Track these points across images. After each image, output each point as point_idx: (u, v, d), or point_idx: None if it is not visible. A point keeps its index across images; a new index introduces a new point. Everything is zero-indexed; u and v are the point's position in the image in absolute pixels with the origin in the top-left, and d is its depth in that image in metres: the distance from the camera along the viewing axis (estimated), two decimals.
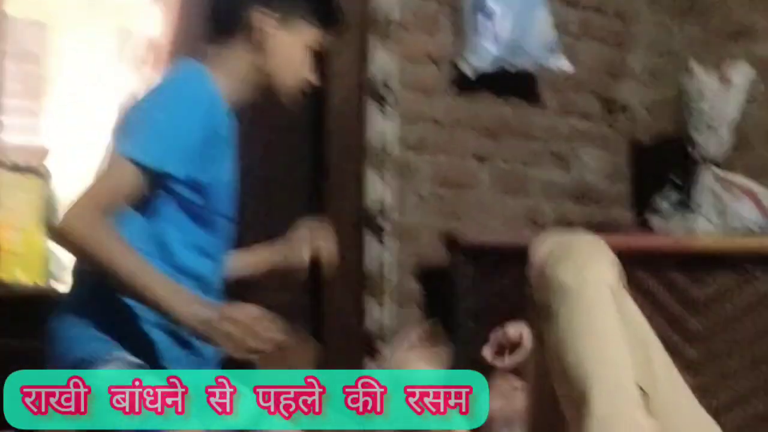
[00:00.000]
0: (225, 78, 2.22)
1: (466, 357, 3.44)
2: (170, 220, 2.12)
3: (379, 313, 3.37)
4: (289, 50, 2.25)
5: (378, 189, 3.38)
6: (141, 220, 2.11)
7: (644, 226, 4.09)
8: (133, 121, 2.12)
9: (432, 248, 3.69)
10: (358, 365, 3.37)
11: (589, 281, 1.87)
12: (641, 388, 1.80)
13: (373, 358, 3.36)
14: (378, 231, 3.38)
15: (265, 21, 2.22)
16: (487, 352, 2.70)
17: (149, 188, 2.08)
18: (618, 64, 4.36)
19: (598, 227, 4.02)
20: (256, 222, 3.23)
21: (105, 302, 2.09)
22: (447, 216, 3.77)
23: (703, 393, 2.06)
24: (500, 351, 2.68)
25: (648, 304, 3.05)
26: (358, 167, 3.40)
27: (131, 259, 2.00)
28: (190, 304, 1.99)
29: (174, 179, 2.08)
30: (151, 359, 2.10)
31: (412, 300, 3.65)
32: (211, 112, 2.13)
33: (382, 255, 3.38)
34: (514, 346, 2.66)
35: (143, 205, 2.10)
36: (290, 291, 3.52)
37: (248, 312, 2.00)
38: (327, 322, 3.41)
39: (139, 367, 2.04)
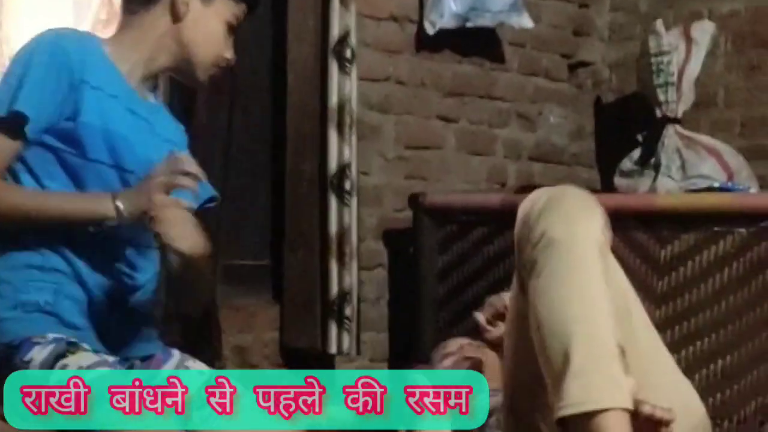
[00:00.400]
0: (136, 40, 2.19)
1: (432, 318, 3.45)
2: (49, 177, 2.09)
3: (342, 276, 3.36)
4: (208, 25, 2.22)
5: (340, 150, 3.36)
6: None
7: (609, 185, 4.10)
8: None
9: (397, 210, 3.69)
10: (322, 328, 3.36)
11: (579, 237, 1.84)
12: (621, 347, 1.80)
13: (336, 321, 3.36)
14: (341, 193, 3.36)
15: None
16: (480, 318, 2.71)
17: (22, 145, 2.06)
18: (582, 22, 4.35)
19: None
20: (217, 186, 3.20)
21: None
22: (412, 177, 3.76)
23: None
24: (492, 318, 2.69)
25: None
26: (319, 129, 3.37)
27: (31, 197, 2.04)
28: (108, 202, 2.00)
29: (36, 126, 2.05)
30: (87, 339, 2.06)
31: (377, 262, 3.65)
32: (72, 62, 2.09)
33: (345, 217, 3.36)
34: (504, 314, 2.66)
35: (23, 168, 2.09)
36: (252, 254, 3.52)
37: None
38: (289, 284, 3.40)
39: (70, 344, 2.01)
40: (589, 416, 1.73)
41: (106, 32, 2.77)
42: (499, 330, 2.63)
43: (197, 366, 2.23)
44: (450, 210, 3.45)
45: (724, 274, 2.93)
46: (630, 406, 1.75)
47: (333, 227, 3.35)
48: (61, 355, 1.97)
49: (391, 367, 3.53)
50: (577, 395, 1.75)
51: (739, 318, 2.89)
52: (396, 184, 3.71)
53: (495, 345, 2.64)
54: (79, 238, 2.08)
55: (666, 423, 1.80)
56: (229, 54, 2.26)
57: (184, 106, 3.00)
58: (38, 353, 1.97)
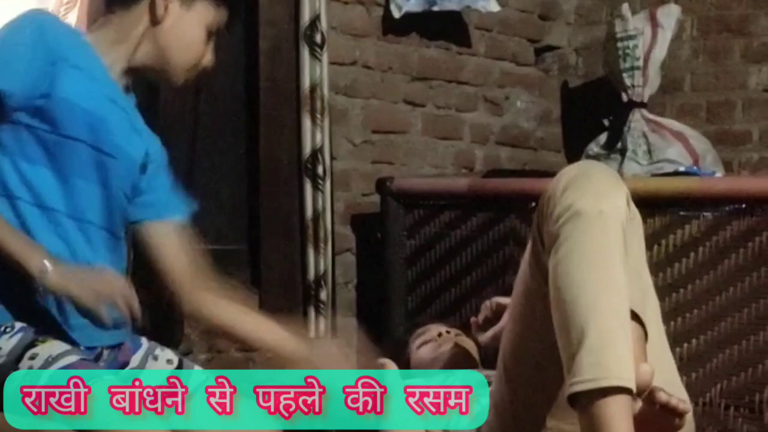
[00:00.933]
0: (115, 40, 2.16)
1: (400, 302, 3.45)
2: (24, 157, 2.04)
3: (317, 260, 3.36)
4: (187, 29, 2.19)
5: (313, 135, 3.36)
6: None
7: None
8: None
9: (364, 194, 3.68)
10: (298, 312, 3.36)
11: (606, 213, 1.85)
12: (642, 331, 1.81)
13: (313, 305, 3.36)
14: (314, 177, 3.36)
15: None
16: (473, 322, 2.70)
17: None
18: (548, 6, 4.35)
19: (530, 172, 4.04)
20: (192, 170, 3.19)
21: None
22: (379, 162, 3.76)
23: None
24: (483, 323, 2.68)
25: None
26: (292, 113, 3.37)
27: None
28: (37, 258, 1.91)
29: (11, 100, 2.01)
30: (51, 328, 2.03)
31: (345, 246, 3.65)
32: (56, 39, 2.05)
33: (318, 201, 3.36)
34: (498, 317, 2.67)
35: None
36: (229, 239, 3.50)
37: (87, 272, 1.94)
38: (266, 270, 3.39)
39: (38, 333, 1.99)
40: (596, 394, 1.75)
41: (70, 16, 2.76)
42: (488, 333, 2.64)
43: (166, 354, 2.23)
44: (417, 194, 3.45)
45: (690, 258, 2.94)
46: (634, 388, 1.76)
47: (308, 212, 3.35)
48: (30, 345, 1.95)
49: (359, 351, 3.52)
50: (588, 372, 1.76)
51: (704, 302, 2.91)
52: (363, 168, 3.71)
53: (484, 346, 2.65)
54: (45, 229, 2.05)
55: (681, 414, 1.81)
56: (207, 60, 2.24)
57: (148, 91, 2.98)
58: (5, 342, 1.94)
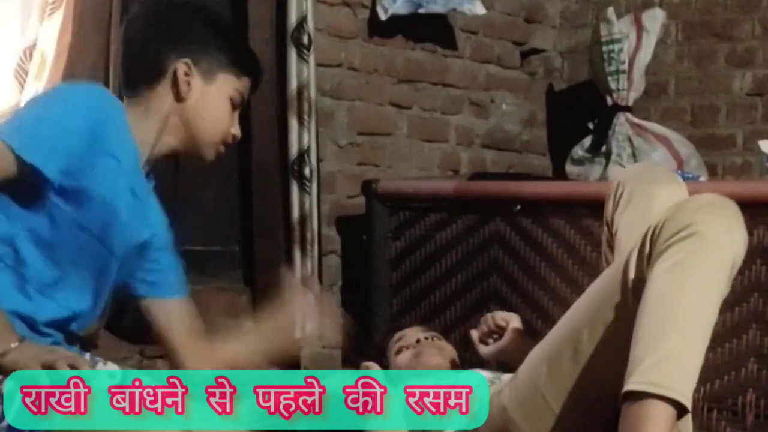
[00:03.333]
0: (142, 120, 2.14)
1: (385, 305, 3.45)
2: (29, 226, 2.02)
3: (304, 262, 3.36)
4: (212, 103, 2.18)
5: (300, 137, 3.36)
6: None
7: (560, 172, 4.12)
8: (17, 114, 2.05)
9: (350, 196, 3.68)
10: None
11: (727, 242, 1.88)
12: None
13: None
14: (300, 179, 3.36)
15: (189, 73, 2.14)
16: (474, 335, 2.71)
17: (20, 184, 1.98)
18: (534, 9, 4.36)
19: (515, 174, 4.05)
20: (182, 171, 3.18)
21: None
22: (364, 164, 3.76)
23: None
24: (484, 335, 2.69)
25: (563, 251, 3.08)
26: (280, 116, 3.37)
27: None
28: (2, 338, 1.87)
29: (43, 180, 1.97)
30: None
31: (330, 248, 3.65)
32: (100, 122, 2.03)
33: (305, 203, 3.37)
34: (499, 332, 2.67)
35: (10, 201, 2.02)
36: (221, 240, 3.50)
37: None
38: (257, 271, 3.40)
39: None
40: (653, 398, 1.77)
41: (55, 16, 2.74)
42: (491, 347, 2.65)
43: (108, 367, 2.23)
44: (403, 197, 3.45)
45: None
46: (688, 409, 1.79)
47: (295, 213, 3.35)
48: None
49: (344, 354, 3.53)
50: (656, 376, 1.78)
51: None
52: (348, 170, 3.71)
53: (486, 360, 2.66)
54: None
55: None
56: (235, 130, 2.23)
57: None
58: None
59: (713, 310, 1.86)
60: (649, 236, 1.93)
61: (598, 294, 2.05)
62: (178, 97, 2.15)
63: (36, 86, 2.70)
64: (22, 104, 2.50)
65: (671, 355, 1.79)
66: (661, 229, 1.91)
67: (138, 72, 2.17)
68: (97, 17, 2.85)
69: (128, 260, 2.18)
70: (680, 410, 1.79)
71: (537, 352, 2.17)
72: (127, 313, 2.95)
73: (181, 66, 2.14)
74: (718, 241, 1.87)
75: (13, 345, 1.86)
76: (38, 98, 2.12)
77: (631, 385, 1.79)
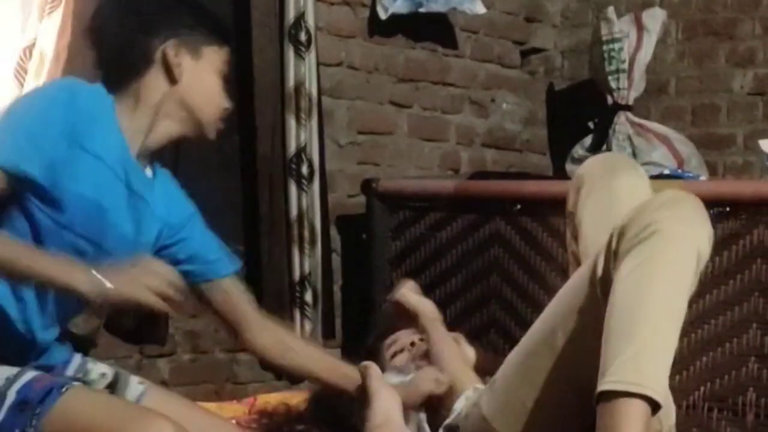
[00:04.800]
0: (133, 110, 2.10)
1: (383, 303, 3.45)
2: (14, 231, 1.98)
3: (302, 261, 3.36)
4: (205, 79, 2.15)
5: (298, 135, 3.36)
6: None
7: (560, 172, 4.11)
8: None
9: (350, 195, 3.68)
10: (287, 312, 3.36)
11: (689, 237, 1.88)
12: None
13: (297, 307, 3.36)
14: (298, 177, 3.36)
15: (176, 54, 2.10)
16: (387, 351, 2.72)
17: (8, 193, 1.96)
18: (534, 9, 4.36)
19: (515, 174, 4.05)
20: (185, 172, 3.17)
21: None
22: (364, 163, 3.76)
23: None
24: (395, 353, 2.70)
25: (563, 250, 3.07)
26: (280, 114, 3.37)
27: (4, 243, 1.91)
28: (85, 274, 1.87)
29: (30, 187, 1.96)
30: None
31: (330, 247, 3.64)
32: (73, 120, 2.00)
33: (303, 202, 3.36)
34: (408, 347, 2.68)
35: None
36: (226, 239, 3.49)
37: (137, 265, 1.91)
38: (262, 269, 3.40)
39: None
40: (625, 396, 1.78)
41: (54, 15, 2.74)
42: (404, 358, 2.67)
43: (99, 368, 2.21)
44: (403, 196, 3.45)
45: None
46: (661, 405, 1.80)
47: (293, 212, 3.35)
48: None
49: (344, 353, 3.52)
50: (628, 375, 1.79)
51: (689, 305, 2.91)
52: (349, 169, 3.71)
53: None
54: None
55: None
56: (227, 103, 2.20)
57: None
58: None
59: (680, 306, 1.87)
60: (615, 236, 1.94)
61: (569, 295, 2.07)
62: (172, 80, 2.11)
63: (35, 85, 2.70)
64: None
65: (641, 353, 1.80)
66: (625, 229, 1.92)
67: (122, 65, 2.12)
68: None
69: (158, 253, 2.16)
70: (654, 406, 1.80)
71: (514, 357, 2.18)
72: (127, 312, 2.96)
73: (169, 48, 2.10)
74: (680, 238, 1.88)
75: (97, 277, 1.86)
76: (14, 105, 2.06)
77: (604, 385, 1.81)
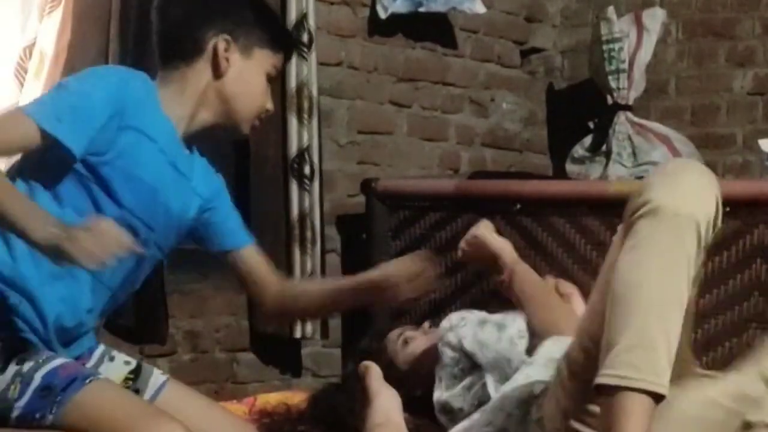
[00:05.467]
0: (178, 95, 2.15)
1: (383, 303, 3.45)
2: (71, 205, 2.03)
3: (303, 261, 3.36)
4: (250, 79, 2.20)
5: (300, 135, 3.36)
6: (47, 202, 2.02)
7: (560, 171, 4.11)
8: (43, 95, 2.09)
9: (350, 195, 3.68)
10: None
11: (683, 217, 1.78)
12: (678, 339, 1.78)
13: None
14: (300, 177, 3.36)
15: (227, 49, 2.15)
16: (398, 342, 2.71)
17: (50, 161, 2.00)
18: (534, 8, 4.36)
19: (515, 173, 4.05)
20: None
21: None
22: (364, 162, 3.76)
23: None
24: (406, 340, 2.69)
25: (563, 250, 3.08)
26: (281, 113, 3.37)
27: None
28: (42, 224, 1.85)
29: (69, 156, 1.99)
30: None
31: (330, 247, 3.64)
32: (124, 99, 2.05)
33: (305, 201, 3.37)
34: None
35: (50, 186, 2.03)
36: None
37: (94, 225, 1.88)
38: None
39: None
40: (622, 391, 1.74)
41: (54, 15, 2.74)
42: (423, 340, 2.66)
43: (122, 356, 2.28)
44: (403, 196, 3.45)
45: None
46: (664, 393, 1.74)
47: (294, 212, 3.35)
48: (14, 352, 1.98)
49: (344, 352, 3.53)
50: (621, 368, 1.74)
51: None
52: (348, 169, 3.71)
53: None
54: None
55: None
56: (270, 105, 2.26)
57: None
58: None
59: (680, 285, 1.79)
60: (626, 209, 1.89)
61: (601, 283, 2.03)
62: (217, 73, 2.16)
63: (35, 84, 2.70)
64: (22, 103, 2.50)
65: (637, 343, 1.75)
66: (630, 204, 1.86)
67: (175, 49, 2.17)
68: (96, 15, 2.85)
69: (194, 228, 2.25)
70: (655, 397, 1.74)
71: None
72: (127, 311, 2.96)
73: (221, 42, 2.15)
74: (676, 212, 1.79)
75: (54, 230, 1.83)
76: (67, 80, 2.13)
77: (601, 378, 1.76)
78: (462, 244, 2.76)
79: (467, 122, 4.11)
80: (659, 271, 1.79)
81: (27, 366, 1.95)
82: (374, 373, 2.41)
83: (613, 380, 1.75)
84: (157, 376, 2.27)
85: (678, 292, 1.79)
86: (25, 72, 2.72)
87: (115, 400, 1.98)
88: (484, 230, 2.72)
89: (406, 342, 2.70)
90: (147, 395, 2.22)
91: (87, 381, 1.94)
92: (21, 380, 1.94)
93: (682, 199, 1.80)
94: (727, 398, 1.94)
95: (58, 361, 1.98)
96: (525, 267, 2.65)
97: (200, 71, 2.16)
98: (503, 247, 2.69)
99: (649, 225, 1.80)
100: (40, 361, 1.97)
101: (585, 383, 1.85)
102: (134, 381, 2.24)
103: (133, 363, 2.27)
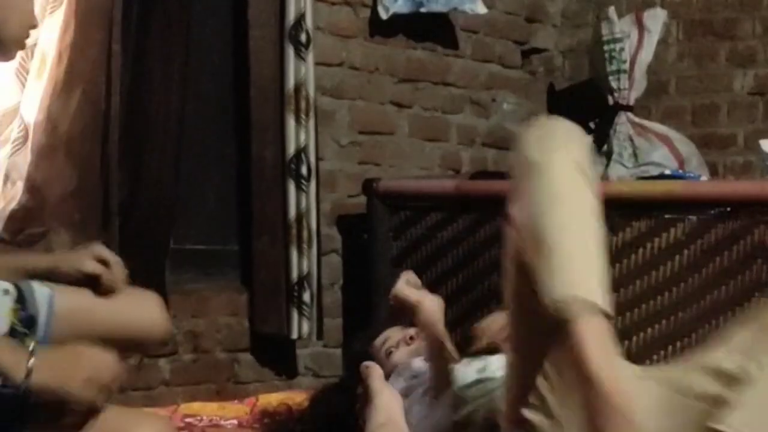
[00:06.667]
0: None
1: (386, 304, 3.45)
2: None
3: (300, 261, 3.36)
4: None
5: (297, 135, 3.36)
6: None
7: None
8: None
9: (351, 195, 3.68)
10: (284, 313, 3.36)
11: (555, 159, 1.79)
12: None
13: (296, 306, 3.36)
14: (297, 178, 3.36)
15: None
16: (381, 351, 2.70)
17: None
18: (535, 9, 4.36)
19: None
20: (183, 170, 3.18)
21: None
22: (365, 163, 3.76)
23: (619, 338, 2.08)
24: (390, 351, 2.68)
25: None
26: (277, 113, 3.37)
27: None
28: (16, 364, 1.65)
29: None
30: None
31: (331, 247, 3.64)
32: None
33: (302, 202, 3.36)
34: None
35: None
36: (219, 239, 3.50)
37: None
38: (257, 270, 3.40)
39: None
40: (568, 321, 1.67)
41: (55, 15, 2.74)
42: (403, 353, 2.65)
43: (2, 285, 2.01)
44: (403, 196, 3.46)
45: (675, 261, 2.95)
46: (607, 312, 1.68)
47: (291, 212, 3.35)
48: None
49: (345, 352, 3.53)
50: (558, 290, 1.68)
51: (690, 304, 2.92)
52: (349, 169, 3.71)
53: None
54: None
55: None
56: (35, 20, 2.10)
57: (134, 89, 2.98)
58: None
59: (582, 210, 1.76)
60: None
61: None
62: None
63: (37, 85, 2.70)
64: (23, 103, 2.47)
65: (557, 268, 1.69)
66: (514, 170, 1.86)
67: None
68: (98, 15, 2.84)
69: None
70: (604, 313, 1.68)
71: None
72: None
73: None
74: (550, 162, 1.78)
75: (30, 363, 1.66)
76: None
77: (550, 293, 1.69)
78: (390, 297, 2.70)
79: (468, 122, 4.11)
80: (558, 212, 1.76)
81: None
82: (375, 373, 2.41)
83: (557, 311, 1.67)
84: (40, 290, 1.98)
85: (581, 214, 1.76)
86: (27, 72, 2.72)
87: None
88: (401, 287, 2.64)
89: (389, 353, 2.69)
90: (42, 317, 1.94)
91: None
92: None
93: (553, 150, 1.81)
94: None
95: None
96: (437, 330, 2.55)
97: None
98: (420, 302, 2.60)
99: (531, 180, 1.79)
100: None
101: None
102: (24, 308, 1.94)
103: (11, 287, 1.96)
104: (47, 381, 1.65)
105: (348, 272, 3.69)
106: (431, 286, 3.36)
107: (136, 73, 2.94)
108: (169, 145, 3.10)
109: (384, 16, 3.71)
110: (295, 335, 3.37)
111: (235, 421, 2.88)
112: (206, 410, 2.97)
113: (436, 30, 3.95)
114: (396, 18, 3.74)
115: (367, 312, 3.46)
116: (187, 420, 2.86)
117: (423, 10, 3.76)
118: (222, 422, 2.88)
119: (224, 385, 3.36)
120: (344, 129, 3.71)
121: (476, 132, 4.15)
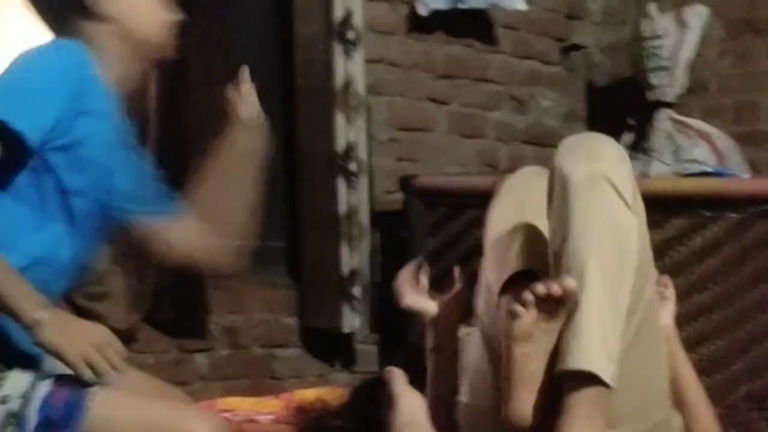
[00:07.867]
0: (101, 57, 2.03)
1: None
2: (24, 199, 1.94)
3: (350, 257, 3.38)
4: (133, 3, 2.06)
5: (347, 132, 3.37)
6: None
7: None
8: None
9: (388, 192, 3.68)
10: (335, 308, 3.37)
11: (589, 174, 1.83)
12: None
13: (346, 301, 3.37)
14: (347, 174, 3.37)
15: None
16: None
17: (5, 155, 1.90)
18: (575, 5, 4.34)
19: None
20: None
21: None
22: (403, 159, 3.75)
23: None
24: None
25: None
26: (327, 111, 3.38)
27: None
28: (32, 307, 1.79)
29: (24, 147, 1.89)
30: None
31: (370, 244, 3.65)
32: (79, 82, 1.95)
33: (351, 198, 3.38)
34: None
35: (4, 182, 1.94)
36: (267, 235, 3.51)
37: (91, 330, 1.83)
38: (303, 266, 3.41)
39: None
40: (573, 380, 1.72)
41: None
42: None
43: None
44: (441, 192, 3.45)
45: (715, 259, 2.93)
46: (610, 383, 1.71)
47: (342, 208, 3.37)
48: None
49: (381, 350, 3.53)
50: (568, 360, 1.73)
51: (728, 303, 2.89)
52: (387, 166, 3.71)
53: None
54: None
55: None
56: (172, 15, 2.10)
57: (174, 87, 2.99)
58: None
59: (617, 252, 1.78)
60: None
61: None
62: (105, 18, 2.03)
63: None
64: None
65: (576, 332, 1.73)
66: (551, 182, 1.92)
67: (69, 8, 2.07)
68: None
69: (124, 214, 2.15)
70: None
71: None
72: (167, 305, 2.98)
73: None
74: (585, 178, 1.83)
75: (43, 315, 1.78)
76: (17, 63, 1.98)
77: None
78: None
79: (506, 119, 4.10)
80: (587, 229, 1.79)
81: (14, 402, 1.83)
82: (398, 377, 2.40)
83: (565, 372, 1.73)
84: None
85: (620, 255, 1.78)
86: None
87: (126, 409, 1.87)
88: (406, 297, 2.67)
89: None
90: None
91: (86, 400, 1.82)
92: (15, 422, 1.82)
93: (588, 164, 1.85)
94: None
95: (44, 388, 1.85)
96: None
97: (95, 22, 2.03)
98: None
99: (565, 194, 1.84)
100: (26, 393, 1.84)
101: None
102: None
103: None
104: (51, 339, 1.77)
105: (386, 269, 3.69)
106: (468, 283, 3.36)
107: (176, 71, 2.96)
108: (212, 142, 3.11)
109: (423, 12, 3.71)
110: (347, 330, 3.39)
111: (270, 416, 2.89)
112: (243, 405, 2.98)
113: (474, 26, 3.94)
114: (434, 14, 3.73)
115: (404, 310, 3.46)
116: (224, 415, 2.88)
117: (462, 6, 3.76)
118: (257, 417, 2.89)
119: (261, 381, 3.38)
120: (382, 125, 3.71)
121: (514, 129, 4.13)
